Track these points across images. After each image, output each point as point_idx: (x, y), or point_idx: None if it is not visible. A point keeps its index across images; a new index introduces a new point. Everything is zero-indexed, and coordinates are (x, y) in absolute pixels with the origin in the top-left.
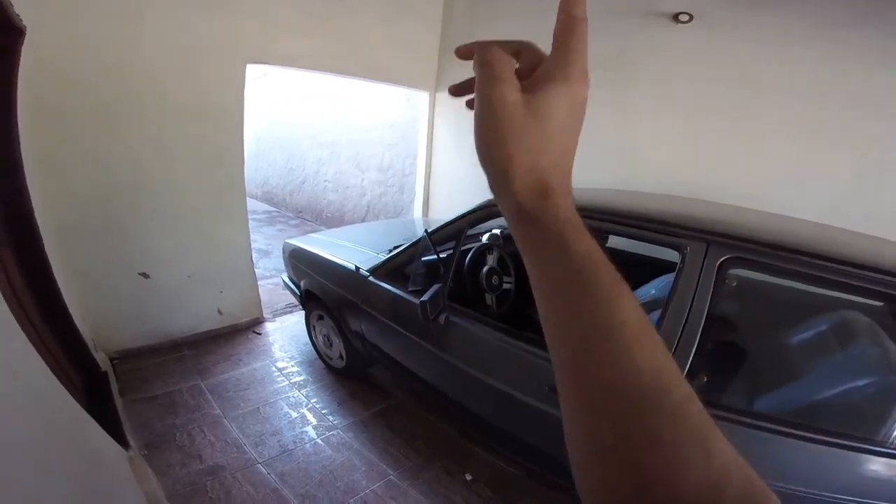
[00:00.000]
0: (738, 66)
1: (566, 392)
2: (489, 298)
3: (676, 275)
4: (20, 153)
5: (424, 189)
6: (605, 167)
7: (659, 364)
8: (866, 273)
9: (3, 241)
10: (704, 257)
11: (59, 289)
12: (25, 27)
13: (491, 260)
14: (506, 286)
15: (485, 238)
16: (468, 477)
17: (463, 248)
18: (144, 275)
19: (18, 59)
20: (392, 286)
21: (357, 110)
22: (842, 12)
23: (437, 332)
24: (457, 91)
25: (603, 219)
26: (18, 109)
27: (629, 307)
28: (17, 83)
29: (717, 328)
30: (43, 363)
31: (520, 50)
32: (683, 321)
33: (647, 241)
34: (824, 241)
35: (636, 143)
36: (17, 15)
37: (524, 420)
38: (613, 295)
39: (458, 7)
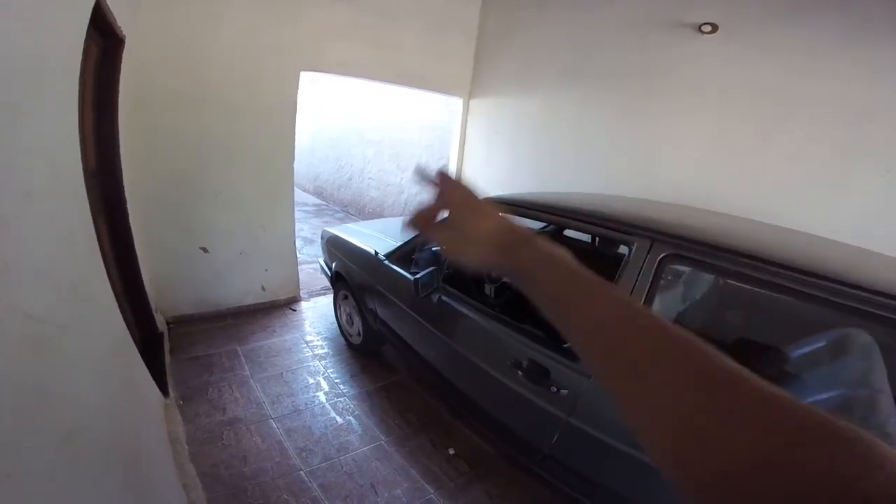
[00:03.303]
0: (763, 79)
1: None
2: (488, 288)
3: (622, 266)
4: (119, 141)
5: None
6: (627, 175)
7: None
8: (799, 276)
9: (99, 210)
10: (648, 253)
11: (136, 255)
12: (125, 36)
13: None
14: (505, 279)
15: None
16: (451, 451)
17: None
18: (204, 249)
19: (120, 64)
20: (400, 268)
21: (400, 112)
22: (872, 24)
23: (432, 309)
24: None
25: (567, 216)
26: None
27: (596, 306)
28: (119, 84)
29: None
30: (119, 315)
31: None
32: None
33: (602, 237)
34: (771, 245)
35: (658, 152)
36: (119, 26)
37: (496, 396)
38: (585, 299)
39: (492, 18)
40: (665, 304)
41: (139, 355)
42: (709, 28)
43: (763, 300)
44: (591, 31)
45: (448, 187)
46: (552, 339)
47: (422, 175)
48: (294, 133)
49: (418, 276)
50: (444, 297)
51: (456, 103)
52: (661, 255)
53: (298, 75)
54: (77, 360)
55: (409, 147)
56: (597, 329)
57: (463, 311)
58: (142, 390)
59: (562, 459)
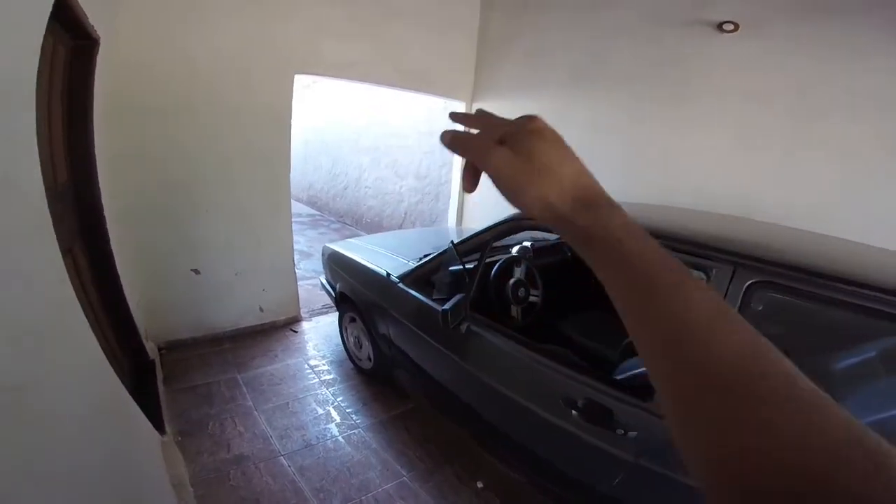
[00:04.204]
0: (794, 79)
1: (664, 396)
2: (514, 310)
3: None
4: (94, 153)
5: (460, 198)
6: (645, 180)
7: (745, 350)
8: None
9: (75, 233)
10: (730, 281)
11: (119, 278)
12: (100, 37)
13: (518, 272)
14: (532, 299)
15: (514, 250)
16: (479, 485)
17: (488, 259)
18: (196, 271)
19: (93, 67)
20: (418, 293)
21: (396, 118)
22: None
23: (459, 340)
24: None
25: None
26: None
27: (692, 298)
28: (93, 87)
29: None
30: (98, 346)
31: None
32: None
33: None
34: (866, 266)
35: (678, 155)
36: (92, 25)
37: (537, 433)
38: (672, 288)
39: (494, 20)
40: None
41: (129, 395)
42: (731, 27)
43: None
44: (602, 32)
45: (505, 122)
46: (609, 373)
47: (459, 118)
48: (290, 141)
49: (446, 306)
50: (472, 327)
51: (458, 107)
52: (748, 283)
53: (292, 78)
54: (52, 422)
55: (408, 153)
56: (699, 323)
57: (496, 342)
58: (135, 432)
59: (625, 501)
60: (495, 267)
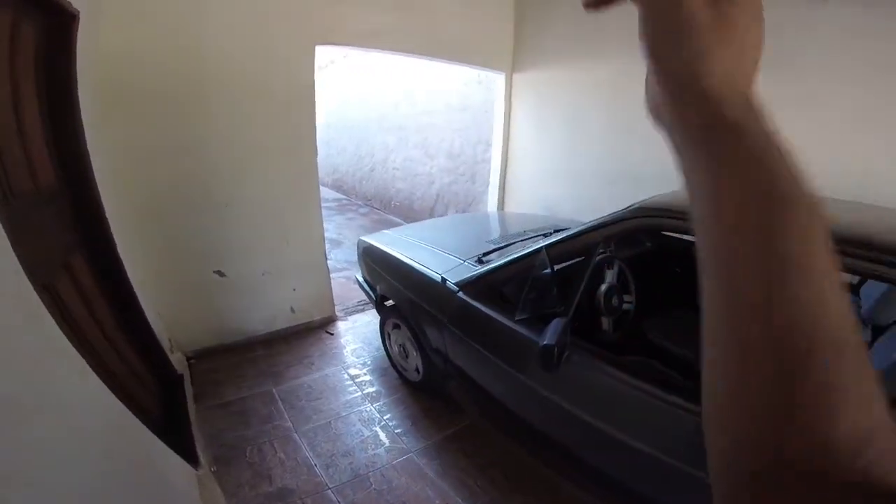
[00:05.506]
0: None
1: (726, 331)
2: (605, 322)
3: None
4: (87, 148)
5: (501, 178)
6: None
7: (844, 308)
8: None
9: (75, 244)
10: None
11: (133, 290)
12: (78, 11)
13: (610, 276)
14: (626, 306)
15: (542, 245)
16: None
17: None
18: (220, 273)
19: (73, 47)
20: (490, 309)
21: (424, 94)
22: None
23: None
24: None
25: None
26: (88, 96)
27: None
28: (75, 72)
29: None
30: (107, 391)
31: None
32: None
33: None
34: None
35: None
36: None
37: (660, 480)
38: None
39: None
40: None
41: (154, 434)
42: None
43: None
44: None
45: None
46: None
47: None
48: (314, 121)
49: (547, 340)
50: (573, 356)
51: (496, 79)
52: None
53: (314, 50)
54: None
55: (438, 132)
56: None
57: (601, 373)
58: (164, 476)
59: None
60: (587, 272)
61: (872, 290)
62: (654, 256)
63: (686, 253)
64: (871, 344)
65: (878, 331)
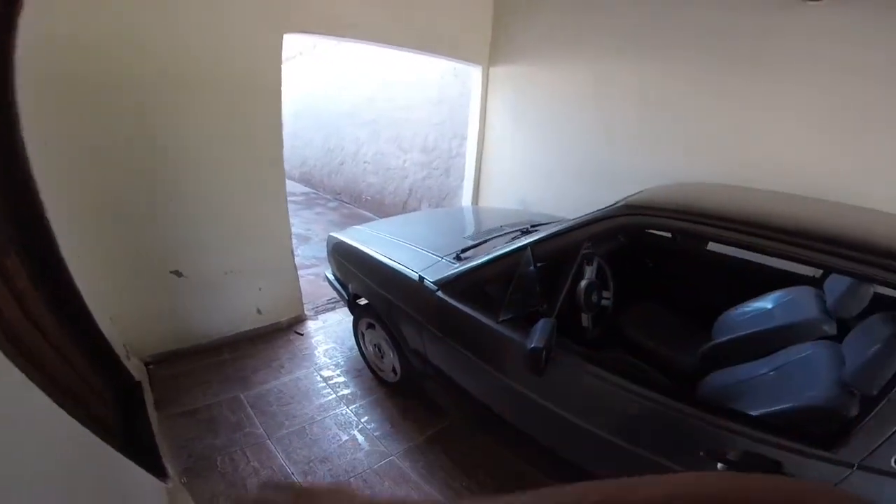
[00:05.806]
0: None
1: None
2: (585, 319)
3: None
4: (23, 141)
5: (475, 172)
6: (706, 156)
7: None
8: None
9: (8, 244)
10: None
11: (79, 293)
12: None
13: (589, 272)
14: (604, 302)
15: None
16: None
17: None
18: (178, 273)
19: (14, 30)
20: (472, 309)
21: (398, 86)
22: None
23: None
24: None
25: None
26: (31, 87)
27: None
28: (14, 60)
29: None
30: (53, 405)
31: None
32: None
33: (836, 269)
34: None
35: (748, 131)
36: None
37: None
38: None
39: None
40: None
41: (103, 443)
42: None
43: None
44: None
45: None
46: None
47: None
48: (280, 113)
49: (535, 343)
50: (560, 357)
51: (472, 73)
52: None
53: (281, 39)
54: None
55: (412, 125)
56: None
57: (589, 376)
58: (126, 488)
59: None
60: (573, 270)
61: (836, 284)
62: (627, 251)
63: (656, 247)
64: (839, 338)
65: (842, 323)
